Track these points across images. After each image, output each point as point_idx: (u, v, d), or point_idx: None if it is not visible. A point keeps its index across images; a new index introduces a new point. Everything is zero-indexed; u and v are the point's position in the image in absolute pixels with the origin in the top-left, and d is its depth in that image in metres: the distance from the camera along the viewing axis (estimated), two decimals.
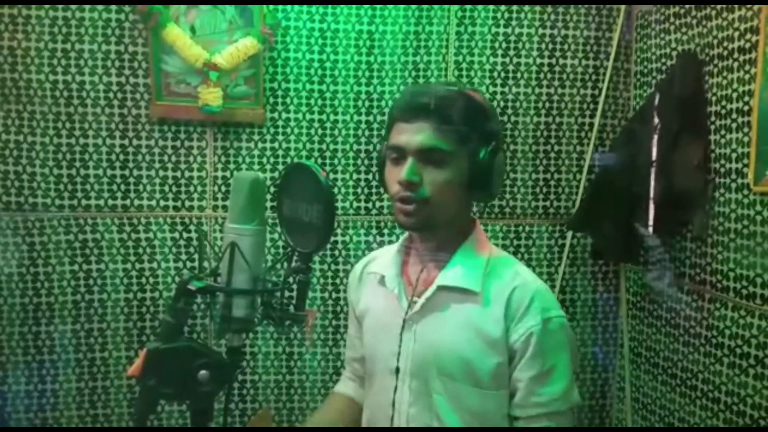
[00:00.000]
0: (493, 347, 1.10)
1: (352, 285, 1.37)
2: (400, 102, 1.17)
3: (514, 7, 2.38)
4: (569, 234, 2.47)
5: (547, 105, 2.44)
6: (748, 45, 1.78)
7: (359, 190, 2.42)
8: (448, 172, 1.09)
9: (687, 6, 2.06)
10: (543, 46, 2.41)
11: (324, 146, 2.39)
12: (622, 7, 2.40)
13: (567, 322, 1.14)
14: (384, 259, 1.29)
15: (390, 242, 2.41)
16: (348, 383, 1.43)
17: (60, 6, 2.20)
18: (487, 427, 1.11)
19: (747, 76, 1.79)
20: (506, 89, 2.41)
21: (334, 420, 1.34)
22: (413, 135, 1.09)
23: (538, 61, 2.42)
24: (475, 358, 1.10)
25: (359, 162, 2.41)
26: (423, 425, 1.14)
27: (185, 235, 2.37)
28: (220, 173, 2.37)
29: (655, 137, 2.13)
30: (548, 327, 1.09)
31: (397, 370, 1.16)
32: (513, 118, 2.42)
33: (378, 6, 2.35)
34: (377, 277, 1.27)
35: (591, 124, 2.46)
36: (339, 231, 2.41)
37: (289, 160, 2.38)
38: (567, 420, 1.11)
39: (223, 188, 2.37)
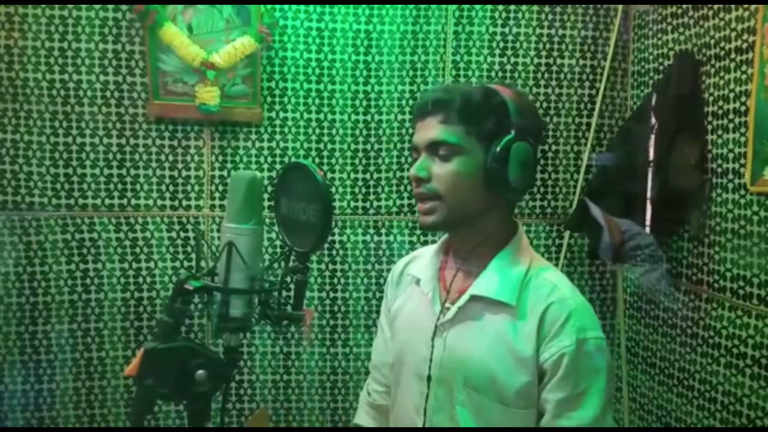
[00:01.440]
0: (523, 365, 1.04)
1: (391, 283, 1.32)
2: (416, 102, 1.16)
3: (512, 7, 2.39)
4: (566, 234, 2.48)
5: (545, 105, 2.44)
6: (744, 45, 1.79)
7: (357, 190, 2.42)
8: (457, 165, 1.06)
9: (684, 6, 2.07)
10: (540, 45, 2.41)
11: (321, 146, 2.39)
12: (620, 7, 2.40)
13: (605, 343, 1.06)
14: (423, 259, 1.26)
15: (387, 242, 2.42)
16: (367, 415, 1.36)
17: (57, 4, 2.19)
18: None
19: (744, 77, 1.79)
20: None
21: None
22: (423, 131, 1.09)
23: (536, 60, 2.42)
24: (503, 374, 1.05)
25: (357, 161, 2.41)
26: None
27: (182, 234, 2.36)
28: (217, 172, 2.36)
29: (653, 137, 2.13)
30: (583, 348, 1.02)
31: (429, 377, 1.13)
32: None
33: (375, 5, 2.35)
34: (414, 279, 1.24)
35: (588, 124, 2.46)
36: (336, 230, 2.41)
37: (286, 159, 2.38)
38: None
39: (221, 187, 2.37)
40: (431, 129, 1.07)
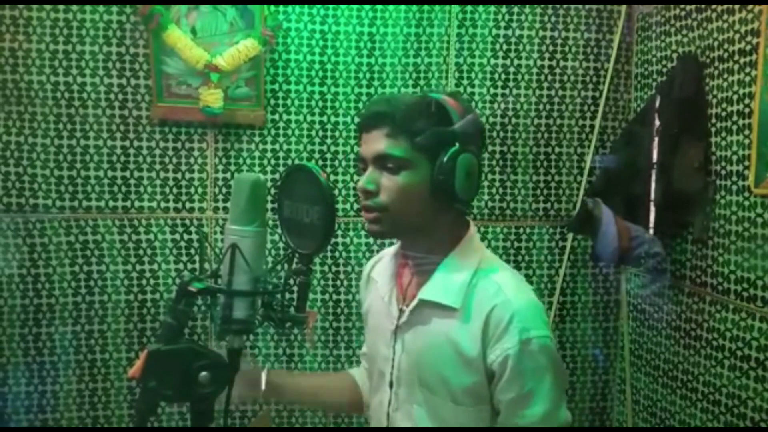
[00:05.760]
0: (470, 366, 1.08)
1: (362, 285, 1.38)
2: (361, 113, 1.19)
3: (515, 9, 2.39)
4: (570, 236, 2.47)
5: (548, 107, 2.44)
6: (748, 47, 1.78)
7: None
8: (405, 178, 1.08)
9: (687, 8, 2.07)
10: (543, 48, 2.41)
11: (324, 148, 2.40)
12: (623, 8, 2.40)
13: (551, 342, 1.07)
14: (384, 262, 1.29)
15: (390, 244, 2.41)
16: (361, 370, 1.44)
17: (61, 7, 2.20)
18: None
19: (747, 79, 1.79)
20: (507, 91, 2.41)
21: (324, 387, 1.40)
22: (369, 144, 1.11)
23: (539, 63, 2.42)
24: (453, 376, 1.09)
25: (359, 164, 2.40)
26: None
27: (186, 236, 2.37)
28: (220, 175, 2.37)
29: (656, 139, 2.13)
30: (527, 349, 1.04)
31: (391, 377, 1.18)
32: (513, 120, 2.42)
33: (379, 8, 2.35)
34: (375, 282, 1.28)
35: (591, 126, 2.46)
36: (339, 232, 2.41)
37: (289, 161, 2.38)
38: None
39: (224, 190, 2.37)
40: (377, 142, 1.09)
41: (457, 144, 1.06)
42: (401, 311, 1.17)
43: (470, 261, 1.14)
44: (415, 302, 1.14)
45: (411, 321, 1.15)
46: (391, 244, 1.38)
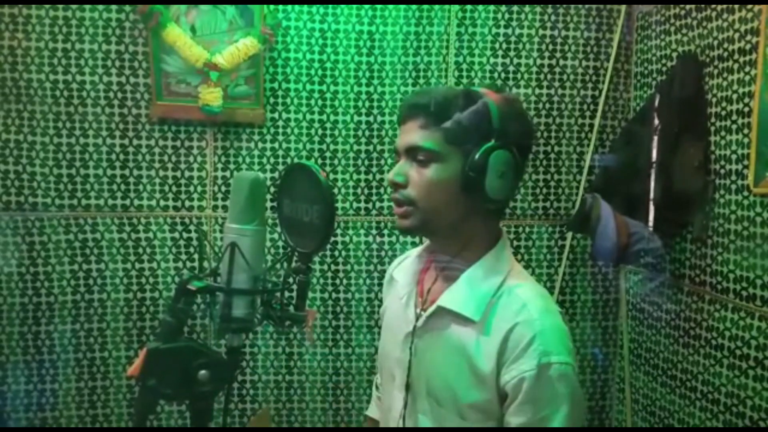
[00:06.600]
0: (481, 382, 1.02)
1: (384, 283, 1.33)
2: (400, 105, 1.16)
3: (515, 8, 2.38)
4: (569, 235, 2.47)
5: (548, 106, 2.44)
6: (748, 46, 1.78)
7: (359, 191, 2.42)
8: (434, 172, 1.03)
9: (687, 7, 2.07)
10: (543, 47, 2.41)
11: (324, 146, 2.40)
12: (623, 8, 2.40)
13: (572, 370, 1.00)
14: (407, 261, 1.26)
15: (389, 243, 2.42)
16: (376, 407, 1.40)
17: (60, 6, 2.20)
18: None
19: (747, 78, 1.79)
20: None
21: None
22: (404, 135, 1.07)
23: (539, 62, 2.42)
24: (462, 390, 1.04)
25: (359, 162, 2.41)
26: None
27: (185, 235, 2.37)
28: (220, 173, 2.37)
29: (655, 139, 2.13)
30: (545, 374, 0.97)
31: (406, 380, 1.15)
32: None
33: (378, 6, 2.35)
34: (396, 282, 1.24)
35: (591, 125, 2.46)
36: (339, 231, 2.41)
37: (289, 160, 2.38)
38: None
39: (223, 188, 2.37)
40: (411, 133, 1.05)
41: (493, 140, 1.01)
42: (418, 315, 1.13)
43: (498, 272, 1.08)
44: (433, 308, 1.09)
45: (427, 327, 1.11)
46: (413, 243, 1.36)
